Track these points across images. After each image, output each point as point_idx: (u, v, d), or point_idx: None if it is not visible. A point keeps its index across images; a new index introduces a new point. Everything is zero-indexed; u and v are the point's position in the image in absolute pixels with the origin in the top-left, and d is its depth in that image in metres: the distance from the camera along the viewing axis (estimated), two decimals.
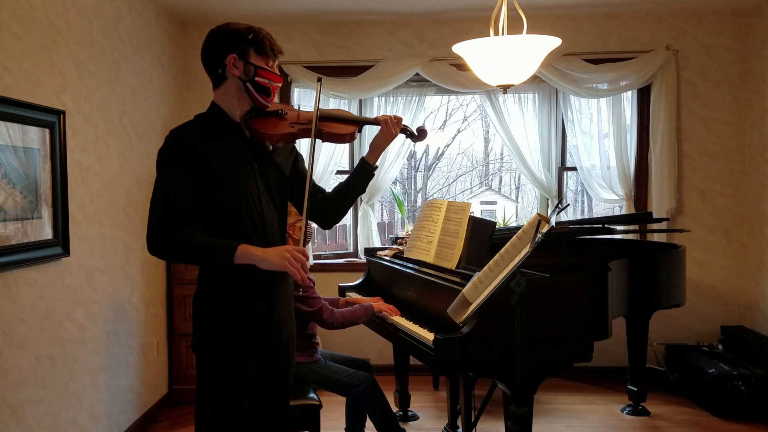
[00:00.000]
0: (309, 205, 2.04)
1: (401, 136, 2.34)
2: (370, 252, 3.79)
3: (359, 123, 2.24)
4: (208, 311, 2.03)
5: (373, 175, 2.24)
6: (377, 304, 3.09)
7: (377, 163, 2.26)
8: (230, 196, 1.97)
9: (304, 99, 4.71)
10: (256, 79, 2.01)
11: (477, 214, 3.24)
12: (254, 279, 2.03)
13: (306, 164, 2.25)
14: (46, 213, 2.78)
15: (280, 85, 2.07)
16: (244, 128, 2.07)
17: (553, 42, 2.86)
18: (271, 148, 2.11)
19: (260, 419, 2.14)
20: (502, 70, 2.93)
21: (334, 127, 2.16)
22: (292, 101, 4.66)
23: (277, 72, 2.07)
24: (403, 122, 2.29)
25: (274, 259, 1.89)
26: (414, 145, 5.63)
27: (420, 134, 2.34)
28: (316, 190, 2.25)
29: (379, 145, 2.24)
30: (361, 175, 2.22)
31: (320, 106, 2.11)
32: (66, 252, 2.91)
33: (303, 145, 3.76)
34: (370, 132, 4.23)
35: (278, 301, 2.12)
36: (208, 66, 2.08)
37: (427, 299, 2.91)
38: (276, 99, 2.19)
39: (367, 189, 2.31)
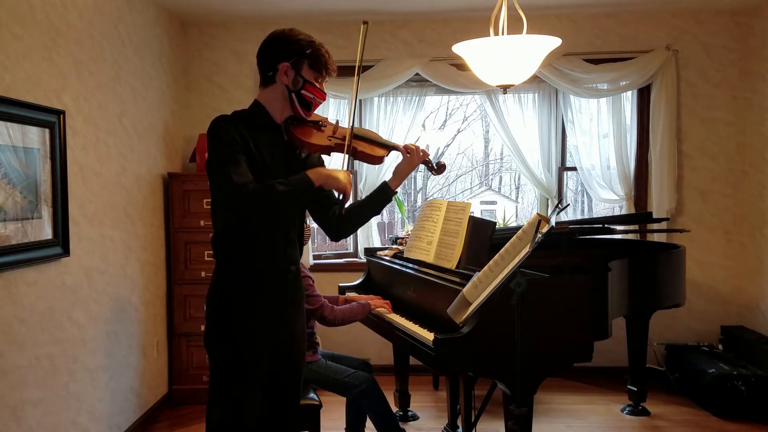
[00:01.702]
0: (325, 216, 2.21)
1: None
2: (370, 252, 3.79)
3: (390, 149, 2.29)
4: (222, 309, 2.06)
5: (391, 200, 2.28)
6: (373, 301, 3.14)
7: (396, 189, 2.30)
8: None
9: None
10: (302, 92, 2.05)
11: (477, 214, 3.24)
12: (269, 280, 2.07)
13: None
14: (46, 213, 2.78)
15: (322, 101, 2.13)
16: (284, 131, 2.11)
17: (553, 42, 2.86)
18: (304, 155, 2.16)
19: (270, 418, 2.16)
20: (502, 70, 2.93)
21: (367, 147, 2.22)
22: None
23: (324, 90, 2.11)
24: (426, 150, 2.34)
25: (342, 177, 2.04)
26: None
27: (438, 168, 2.39)
28: (335, 202, 2.26)
29: (402, 173, 2.28)
30: (380, 198, 2.26)
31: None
32: (66, 252, 2.91)
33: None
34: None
35: (291, 301, 2.15)
36: (261, 66, 2.09)
37: (427, 299, 2.91)
38: None
39: (382, 211, 2.36)
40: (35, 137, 2.69)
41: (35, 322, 2.71)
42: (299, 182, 1.98)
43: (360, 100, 4.66)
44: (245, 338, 2.04)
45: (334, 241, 2.51)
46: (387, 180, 2.27)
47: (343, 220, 2.25)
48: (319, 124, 2.16)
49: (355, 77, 2.20)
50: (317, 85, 2.07)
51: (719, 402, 3.79)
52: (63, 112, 2.88)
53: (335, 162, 2.16)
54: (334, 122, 2.23)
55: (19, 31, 2.59)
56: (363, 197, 2.32)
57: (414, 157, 2.27)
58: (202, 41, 4.61)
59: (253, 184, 1.92)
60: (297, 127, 2.11)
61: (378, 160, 2.26)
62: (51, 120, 2.80)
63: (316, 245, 4.78)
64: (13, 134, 2.53)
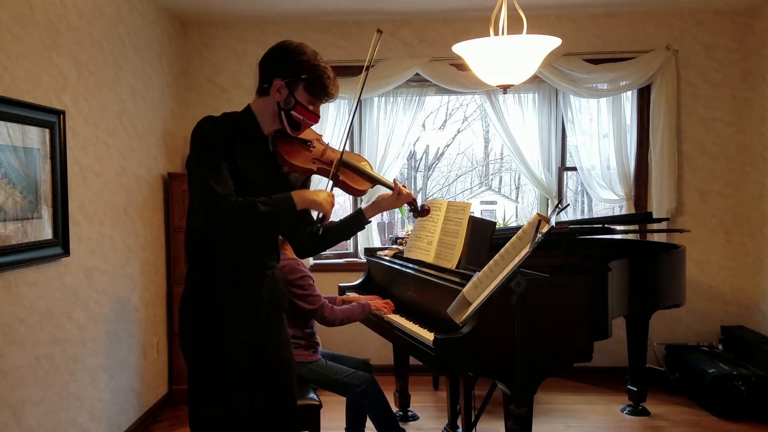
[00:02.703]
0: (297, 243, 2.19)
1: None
2: (370, 252, 3.79)
3: (375, 183, 2.23)
4: (196, 312, 2.04)
5: (364, 228, 2.28)
6: (374, 302, 3.14)
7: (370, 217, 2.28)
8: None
9: None
10: (292, 112, 2.00)
11: (477, 214, 3.24)
12: (244, 283, 2.05)
13: None
14: (46, 213, 2.78)
15: (314, 124, 2.07)
16: (270, 143, 2.08)
17: (553, 42, 2.86)
18: (286, 169, 2.12)
19: (267, 419, 2.15)
20: (502, 70, 2.93)
21: (351, 177, 2.16)
22: None
23: (318, 113, 2.04)
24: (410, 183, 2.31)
25: (324, 202, 2.01)
26: (414, 146, 5.66)
27: (422, 211, 2.34)
28: (309, 222, 2.24)
29: (382, 206, 2.26)
30: (354, 224, 2.24)
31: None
32: (66, 252, 2.91)
33: None
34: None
35: (266, 304, 2.12)
36: (260, 73, 2.05)
37: (427, 299, 2.91)
38: None
39: (352, 236, 2.37)
40: (35, 137, 2.69)
41: (35, 322, 2.71)
42: (282, 204, 1.94)
43: (360, 101, 4.64)
44: (222, 341, 2.01)
45: (299, 257, 2.50)
46: (363, 208, 2.23)
47: (313, 240, 2.23)
48: (308, 144, 2.09)
49: (360, 83, 2.16)
50: (310, 108, 2.00)
51: (719, 402, 3.79)
52: (63, 112, 2.88)
53: (321, 182, 2.13)
54: (326, 143, 2.17)
55: (19, 31, 2.59)
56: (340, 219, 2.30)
57: (399, 198, 2.23)
58: (202, 41, 4.61)
59: (234, 197, 1.88)
60: (284, 143, 2.05)
61: (359, 193, 2.20)
62: (51, 120, 2.80)
63: None
64: (13, 134, 2.53)
